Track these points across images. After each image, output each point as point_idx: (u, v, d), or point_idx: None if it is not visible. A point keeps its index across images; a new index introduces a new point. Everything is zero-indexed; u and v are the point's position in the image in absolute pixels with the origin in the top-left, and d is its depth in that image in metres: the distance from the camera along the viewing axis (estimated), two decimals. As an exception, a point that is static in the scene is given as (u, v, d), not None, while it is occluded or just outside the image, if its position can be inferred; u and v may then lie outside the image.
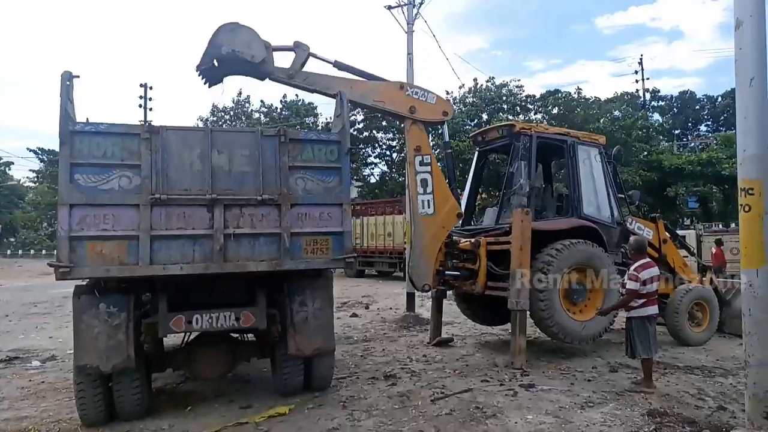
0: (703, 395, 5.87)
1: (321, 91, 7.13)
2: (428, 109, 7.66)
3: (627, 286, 6.04)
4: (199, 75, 6.76)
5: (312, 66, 7.14)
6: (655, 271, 6.08)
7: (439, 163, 8.01)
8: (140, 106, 35.88)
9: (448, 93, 32.61)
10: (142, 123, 4.91)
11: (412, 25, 12.07)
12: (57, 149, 4.88)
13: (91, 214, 4.77)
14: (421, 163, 7.71)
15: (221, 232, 5.08)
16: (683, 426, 4.80)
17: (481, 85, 32.67)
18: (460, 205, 8.02)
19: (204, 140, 5.13)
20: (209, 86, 6.95)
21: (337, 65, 7.27)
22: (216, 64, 6.59)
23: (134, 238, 4.85)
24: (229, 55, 6.42)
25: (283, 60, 6.99)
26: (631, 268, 6.08)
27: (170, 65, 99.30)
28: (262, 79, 6.94)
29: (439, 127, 8.37)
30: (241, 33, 6.45)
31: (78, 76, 5.00)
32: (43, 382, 6.82)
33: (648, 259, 6.19)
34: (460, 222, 8.36)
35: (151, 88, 36.51)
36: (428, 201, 7.70)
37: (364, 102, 7.56)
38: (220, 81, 6.98)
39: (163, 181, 4.94)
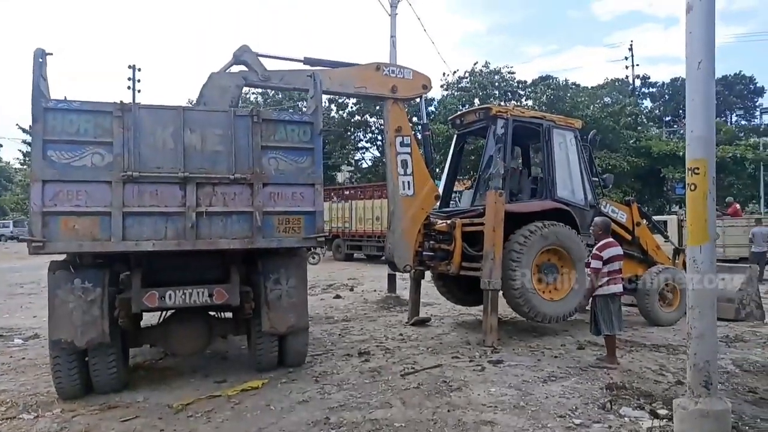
0: (664, 371, 6.07)
1: (300, 88, 7.16)
2: (408, 86, 7.78)
3: (591, 266, 6.21)
4: None
5: (282, 64, 7.25)
6: (617, 250, 6.24)
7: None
8: (129, 88, 35.56)
9: (444, 75, 33.03)
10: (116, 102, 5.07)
11: (396, 8, 12.08)
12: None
13: (64, 190, 4.86)
14: (402, 144, 7.82)
15: (193, 209, 5.18)
16: (638, 398, 4.98)
17: (479, 70, 32.85)
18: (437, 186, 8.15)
19: (177, 119, 5.20)
20: None
21: (308, 61, 7.30)
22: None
23: (107, 214, 4.94)
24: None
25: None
26: (595, 247, 6.26)
27: (160, 48, 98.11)
28: None
29: (417, 103, 8.46)
30: (215, 86, 6.58)
31: (51, 54, 5.05)
32: (23, 358, 6.95)
33: (611, 239, 6.35)
34: (438, 204, 8.49)
35: (139, 69, 36.11)
36: (408, 182, 7.84)
37: (346, 90, 7.68)
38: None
39: (135, 158, 5.02)
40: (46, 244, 4.80)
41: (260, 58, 6.91)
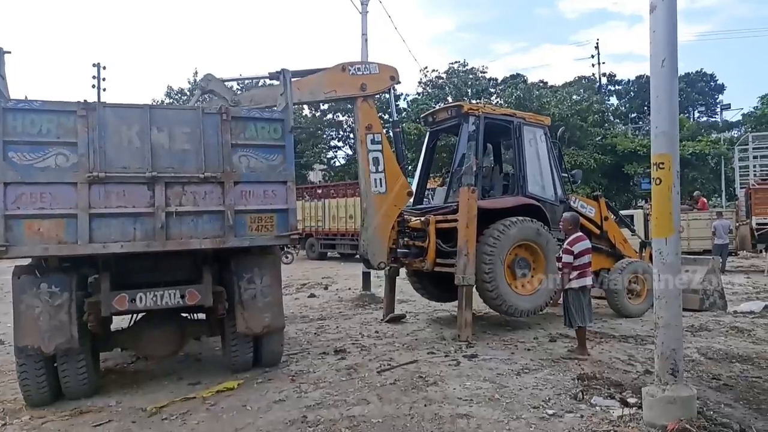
0: (633, 361, 6.24)
1: (271, 105, 7.10)
2: (376, 80, 7.79)
3: (563, 260, 6.34)
4: None
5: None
6: (587, 243, 6.39)
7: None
8: (93, 86, 34.79)
9: (425, 68, 33.41)
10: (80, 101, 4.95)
11: (367, 5, 12.07)
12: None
13: (28, 193, 4.72)
14: (373, 142, 7.81)
15: (162, 210, 5.08)
16: (608, 388, 5.10)
17: (455, 68, 33.19)
18: (410, 183, 8.19)
19: (143, 117, 5.09)
20: None
21: (273, 77, 7.20)
22: None
23: (72, 216, 4.82)
24: None
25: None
26: (566, 242, 6.38)
27: (125, 45, 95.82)
28: None
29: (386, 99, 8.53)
30: None
31: (9, 52, 4.91)
32: (-12, 365, 6.72)
33: (580, 234, 6.49)
34: (412, 201, 8.53)
35: (104, 68, 35.42)
36: (380, 179, 7.83)
37: (317, 98, 7.69)
38: None
39: (101, 158, 4.90)
40: (10, 248, 4.66)
41: (226, 83, 6.93)
